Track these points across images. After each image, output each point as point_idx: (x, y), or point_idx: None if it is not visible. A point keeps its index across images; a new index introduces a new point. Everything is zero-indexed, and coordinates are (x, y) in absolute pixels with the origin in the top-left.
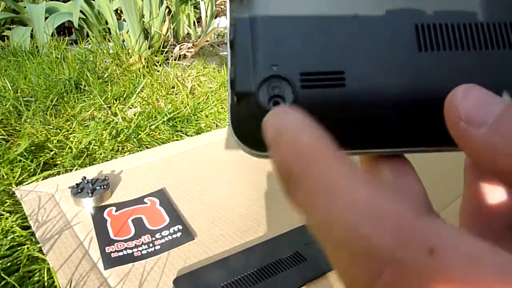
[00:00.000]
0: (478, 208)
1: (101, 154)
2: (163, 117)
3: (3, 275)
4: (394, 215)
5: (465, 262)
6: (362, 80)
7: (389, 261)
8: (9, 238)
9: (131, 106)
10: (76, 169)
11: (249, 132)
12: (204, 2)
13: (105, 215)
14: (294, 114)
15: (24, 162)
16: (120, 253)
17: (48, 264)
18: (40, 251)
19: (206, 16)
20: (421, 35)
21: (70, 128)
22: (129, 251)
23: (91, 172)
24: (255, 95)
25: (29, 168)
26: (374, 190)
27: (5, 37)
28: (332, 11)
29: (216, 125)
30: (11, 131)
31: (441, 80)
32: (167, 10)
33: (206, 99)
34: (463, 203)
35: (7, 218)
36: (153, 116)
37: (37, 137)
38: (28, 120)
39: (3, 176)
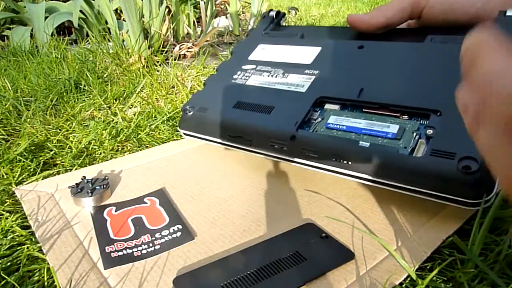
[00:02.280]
0: None
1: (101, 154)
2: (163, 117)
3: (3, 274)
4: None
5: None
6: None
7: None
8: (9, 238)
9: (131, 106)
10: (76, 169)
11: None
12: (204, 2)
13: (105, 214)
14: (483, 33)
15: (24, 161)
16: (120, 253)
17: (48, 264)
18: (40, 250)
19: (206, 16)
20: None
21: (70, 128)
22: (129, 251)
23: (91, 172)
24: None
25: (29, 167)
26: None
27: (5, 37)
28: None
29: None
30: (11, 131)
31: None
32: (167, 10)
33: None
34: None
35: (7, 218)
36: (153, 116)
37: (37, 137)
38: (28, 120)
39: (3, 175)
